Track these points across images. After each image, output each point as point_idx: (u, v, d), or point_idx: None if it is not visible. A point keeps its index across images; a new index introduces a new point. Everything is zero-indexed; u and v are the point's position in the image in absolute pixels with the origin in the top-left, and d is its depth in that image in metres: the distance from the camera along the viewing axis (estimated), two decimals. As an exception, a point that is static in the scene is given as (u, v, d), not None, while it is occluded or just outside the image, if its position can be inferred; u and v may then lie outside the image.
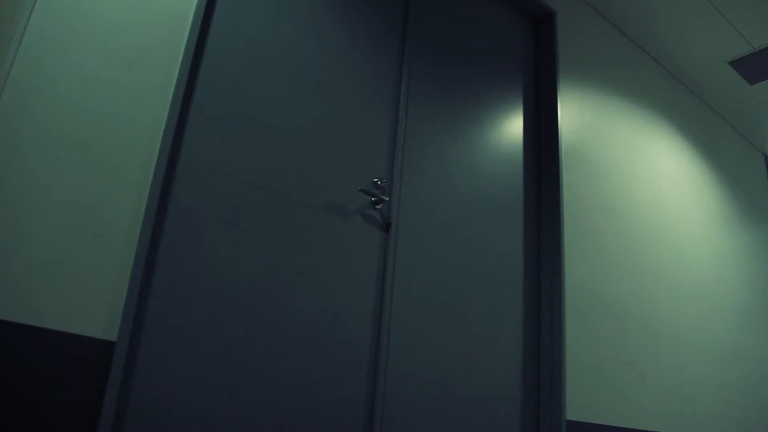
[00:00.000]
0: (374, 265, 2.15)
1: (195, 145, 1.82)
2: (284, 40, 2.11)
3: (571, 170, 2.89)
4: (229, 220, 1.83)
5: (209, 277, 1.75)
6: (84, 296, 1.48)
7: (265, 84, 2.02)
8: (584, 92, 3.16)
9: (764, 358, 3.95)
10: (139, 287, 1.57)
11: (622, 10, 3.41)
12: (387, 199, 2.20)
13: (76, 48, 1.60)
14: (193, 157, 1.80)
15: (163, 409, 1.59)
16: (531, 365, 2.55)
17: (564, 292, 2.62)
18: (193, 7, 1.85)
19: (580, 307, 2.70)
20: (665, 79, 3.88)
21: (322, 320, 1.95)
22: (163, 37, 1.77)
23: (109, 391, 1.46)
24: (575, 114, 3.06)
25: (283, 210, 1.96)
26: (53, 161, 1.51)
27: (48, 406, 1.38)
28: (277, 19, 2.11)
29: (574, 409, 2.50)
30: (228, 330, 1.75)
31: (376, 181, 2.21)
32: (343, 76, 2.25)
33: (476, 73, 2.75)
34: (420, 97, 2.48)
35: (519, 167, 2.81)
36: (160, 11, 1.78)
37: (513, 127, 2.87)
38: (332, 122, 2.16)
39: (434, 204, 2.40)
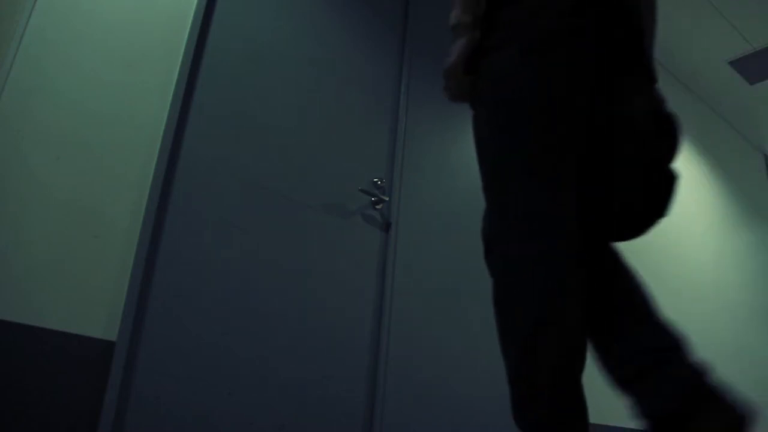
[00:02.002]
0: (374, 265, 2.15)
1: (195, 145, 1.81)
2: (284, 40, 2.11)
3: (571, 170, 2.89)
4: (229, 220, 1.83)
5: (209, 277, 1.75)
6: (84, 296, 1.48)
7: (265, 84, 2.02)
8: (584, 92, 3.16)
9: (764, 358, 3.94)
10: (139, 287, 1.57)
11: (622, 10, 3.41)
12: (387, 199, 2.20)
13: (76, 48, 1.60)
14: (193, 157, 1.80)
15: (163, 409, 1.59)
16: (531, 365, 2.55)
17: (564, 292, 2.62)
18: (193, 7, 1.85)
19: (580, 307, 2.70)
20: (665, 78, 3.88)
21: (321, 320, 1.95)
22: (163, 37, 1.77)
23: (109, 391, 1.46)
24: (575, 114, 3.06)
25: (283, 210, 1.96)
26: (53, 161, 1.51)
27: (48, 406, 1.38)
28: (277, 19, 2.11)
29: (574, 409, 2.49)
30: (228, 330, 1.75)
31: (376, 181, 2.21)
32: (343, 76, 2.25)
33: (476, 73, 2.75)
34: (420, 97, 2.48)
35: (519, 167, 2.81)
36: (160, 11, 1.78)
37: (513, 127, 2.87)
38: (332, 122, 2.16)
39: (434, 204, 2.40)
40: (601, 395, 2.69)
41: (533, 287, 0.83)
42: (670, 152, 0.94)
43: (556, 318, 0.82)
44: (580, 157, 0.91)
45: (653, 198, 0.93)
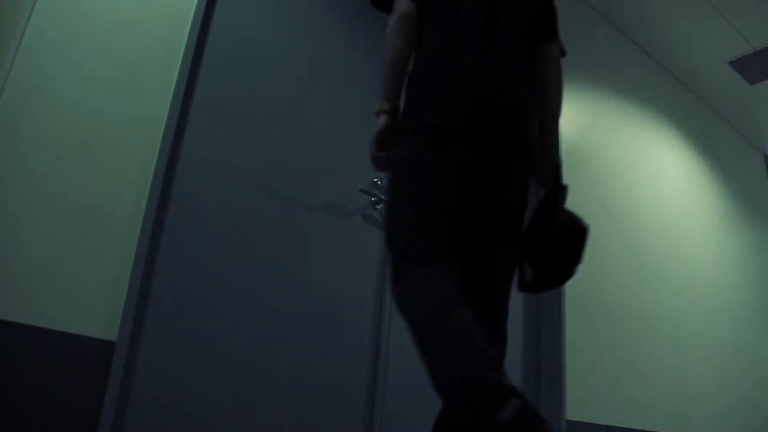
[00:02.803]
0: (374, 265, 2.14)
1: (195, 144, 1.81)
2: (284, 40, 2.11)
3: (571, 170, 2.88)
4: (229, 220, 1.83)
5: (209, 277, 1.75)
6: (84, 296, 1.48)
7: (265, 84, 2.02)
8: (584, 92, 3.16)
9: (764, 358, 3.94)
10: (139, 287, 1.57)
11: (623, 11, 3.41)
12: (387, 199, 2.20)
13: (76, 48, 1.60)
14: (193, 157, 1.80)
15: (163, 409, 1.59)
16: (531, 365, 2.55)
17: (564, 292, 2.62)
18: (193, 7, 1.84)
19: (580, 307, 2.70)
20: (665, 79, 3.88)
21: (322, 320, 1.95)
22: (163, 37, 1.77)
23: (109, 391, 1.46)
24: (576, 114, 3.06)
25: (284, 210, 1.96)
26: (53, 161, 1.51)
27: (48, 406, 1.38)
28: (277, 20, 2.11)
29: (574, 409, 2.49)
30: (228, 330, 1.75)
31: (376, 181, 2.21)
32: (343, 75, 2.24)
33: (476, 73, 2.75)
34: (420, 97, 2.47)
35: (519, 167, 2.81)
36: (160, 11, 1.78)
37: (513, 127, 2.86)
38: (332, 122, 2.16)
39: (434, 204, 2.39)
40: (601, 395, 2.69)
41: (432, 300, 1.10)
42: (550, 219, 1.25)
43: (445, 318, 1.05)
44: (457, 215, 1.19)
45: (539, 260, 1.28)
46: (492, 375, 0.94)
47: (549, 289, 1.35)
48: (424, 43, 1.32)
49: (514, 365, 2.48)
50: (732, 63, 3.72)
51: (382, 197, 2.18)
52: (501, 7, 1.30)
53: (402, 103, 1.30)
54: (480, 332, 1.02)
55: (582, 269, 2.75)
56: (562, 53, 1.44)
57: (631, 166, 3.34)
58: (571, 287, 2.67)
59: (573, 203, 2.98)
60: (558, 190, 1.31)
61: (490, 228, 1.22)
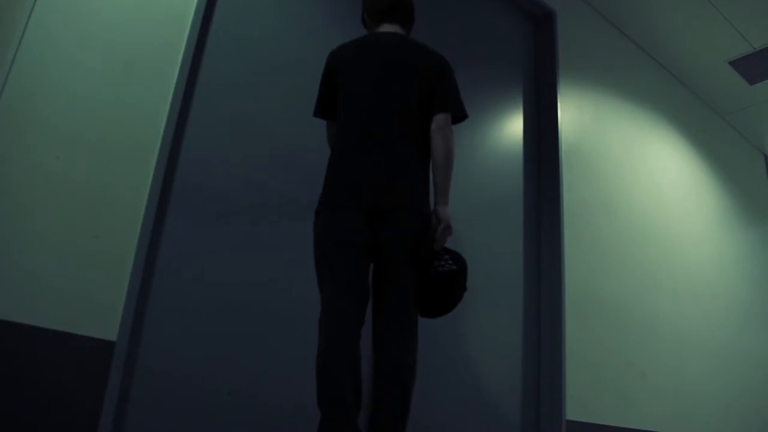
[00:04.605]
0: (374, 265, 2.14)
1: (195, 144, 1.81)
2: (284, 40, 2.11)
3: (571, 170, 2.89)
4: (229, 219, 1.83)
5: (209, 277, 1.75)
6: (84, 296, 1.48)
7: (266, 84, 2.02)
8: (584, 92, 3.16)
9: (764, 358, 3.95)
10: (139, 287, 1.57)
11: (622, 10, 3.41)
12: (387, 199, 2.20)
13: (76, 47, 1.60)
14: (193, 157, 1.80)
15: (163, 409, 1.59)
16: (531, 365, 2.55)
17: (564, 292, 2.62)
18: (193, 7, 1.85)
19: (580, 306, 2.70)
20: (665, 79, 3.88)
21: (322, 320, 1.95)
22: (163, 37, 1.77)
23: (109, 391, 1.46)
24: (575, 114, 3.06)
25: (283, 210, 1.96)
26: (53, 161, 1.51)
27: (48, 406, 1.38)
28: (278, 20, 2.11)
29: (574, 409, 2.50)
30: (228, 330, 1.75)
31: (376, 181, 2.21)
32: (343, 76, 2.24)
33: (476, 73, 2.75)
34: (420, 97, 2.47)
35: (519, 167, 2.81)
36: (160, 11, 1.78)
37: (513, 127, 2.87)
38: (332, 122, 2.16)
39: (434, 204, 2.39)
40: (601, 395, 2.69)
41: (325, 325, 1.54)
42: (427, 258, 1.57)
43: (331, 348, 1.53)
44: (358, 262, 1.54)
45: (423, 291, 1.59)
46: (342, 417, 1.44)
47: (433, 316, 1.62)
48: (333, 139, 1.73)
49: (514, 365, 2.48)
50: (732, 63, 3.73)
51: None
52: (384, 103, 1.63)
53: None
54: (352, 375, 1.53)
55: (582, 269, 2.77)
56: (461, 118, 1.72)
57: (631, 166, 3.34)
58: (571, 287, 2.68)
59: (573, 203, 3.00)
60: (431, 236, 1.58)
61: (385, 266, 1.57)
